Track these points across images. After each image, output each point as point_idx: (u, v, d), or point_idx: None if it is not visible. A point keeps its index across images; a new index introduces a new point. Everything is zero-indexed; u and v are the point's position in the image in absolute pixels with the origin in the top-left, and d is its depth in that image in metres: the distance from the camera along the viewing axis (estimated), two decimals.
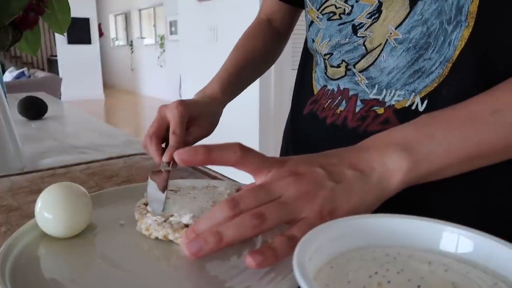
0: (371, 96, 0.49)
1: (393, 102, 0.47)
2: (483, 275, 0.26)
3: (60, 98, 4.47)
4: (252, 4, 2.34)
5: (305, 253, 0.25)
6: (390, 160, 0.36)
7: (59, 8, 0.70)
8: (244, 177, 0.42)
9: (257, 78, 0.71)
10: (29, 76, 5.33)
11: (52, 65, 8.93)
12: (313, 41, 0.56)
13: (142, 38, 8.99)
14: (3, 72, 4.95)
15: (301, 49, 0.66)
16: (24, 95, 1.28)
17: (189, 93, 3.11)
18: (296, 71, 0.66)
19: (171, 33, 7.42)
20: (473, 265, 0.27)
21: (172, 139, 0.51)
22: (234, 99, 0.66)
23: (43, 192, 0.41)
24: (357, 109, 0.50)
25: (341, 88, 0.53)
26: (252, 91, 2.40)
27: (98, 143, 0.92)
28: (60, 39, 7.85)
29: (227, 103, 0.63)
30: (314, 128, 0.57)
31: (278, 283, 0.33)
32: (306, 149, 0.59)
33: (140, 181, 0.61)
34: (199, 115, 0.56)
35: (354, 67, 0.51)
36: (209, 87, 0.62)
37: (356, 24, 0.49)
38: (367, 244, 0.29)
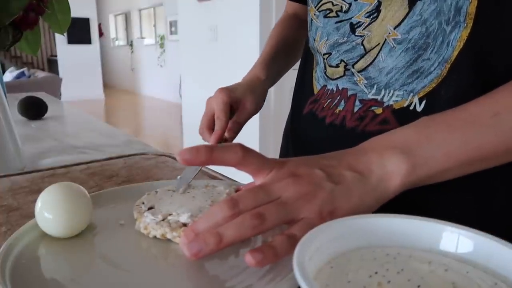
0: (370, 96, 0.49)
1: (391, 102, 0.47)
2: (483, 275, 0.26)
3: (60, 98, 4.47)
4: (252, 4, 2.33)
5: (305, 253, 0.25)
6: (389, 163, 0.36)
7: (59, 8, 0.70)
8: (244, 177, 0.42)
9: (293, 64, 0.76)
10: (29, 76, 5.34)
11: (52, 65, 8.93)
12: (314, 40, 0.56)
13: (142, 38, 8.99)
14: (3, 72, 4.95)
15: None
16: (24, 95, 1.28)
17: (189, 93, 3.12)
18: (296, 71, 0.66)
19: (171, 33, 7.41)
20: (473, 265, 0.27)
21: (217, 124, 0.59)
22: None
23: (43, 192, 0.41)
24: (356, 109, 0.50)
25: (340, 88, 0.53)
26: None
27: (98, 143, 0.92)
28: (60, 39, 7.85)
29: (269, 83, 0.70)
30: (313, 128, 0.57)
31: (278, 283, 0.33)
32: (305, 149, 0.59)
33: (140, 181, 0.61)
34: (243, 96, 0.63)
35: (353, 67, 0.51)
36: (251, 71, 0.69)
37: (354, 22, 0.49)
38: (367, 244, 0.29)
